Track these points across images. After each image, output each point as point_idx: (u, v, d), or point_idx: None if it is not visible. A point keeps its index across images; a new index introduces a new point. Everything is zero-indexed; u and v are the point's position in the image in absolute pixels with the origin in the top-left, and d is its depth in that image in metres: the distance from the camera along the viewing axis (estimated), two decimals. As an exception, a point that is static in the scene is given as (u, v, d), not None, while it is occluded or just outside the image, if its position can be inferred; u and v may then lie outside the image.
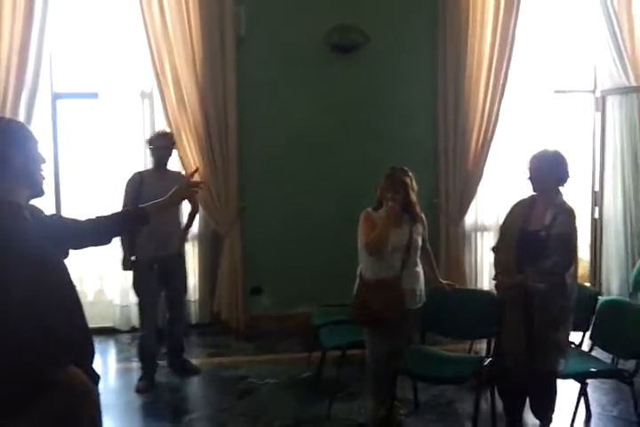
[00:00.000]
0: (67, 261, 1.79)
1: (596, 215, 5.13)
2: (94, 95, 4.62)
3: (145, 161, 4.50)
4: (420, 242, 3.22)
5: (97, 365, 1.83)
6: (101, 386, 1.80)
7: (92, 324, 1.85)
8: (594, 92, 5.15)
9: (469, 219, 4.93)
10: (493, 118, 4.81)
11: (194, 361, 4.05)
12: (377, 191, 3.22)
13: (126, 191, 3.74)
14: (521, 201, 3.08)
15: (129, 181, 3.77)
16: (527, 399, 3.01)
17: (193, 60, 4.53)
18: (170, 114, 4.56)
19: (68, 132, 4.83)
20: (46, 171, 1.79)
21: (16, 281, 1.54)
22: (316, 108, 4.77)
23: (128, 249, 3.71)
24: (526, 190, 3.06)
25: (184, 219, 4.03)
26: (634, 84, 4.88)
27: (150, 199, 2.11)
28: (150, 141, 3.83)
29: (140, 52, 4.56)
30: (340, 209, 4.59)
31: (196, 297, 4.80)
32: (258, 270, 4.78)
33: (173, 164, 4.55)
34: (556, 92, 4.99)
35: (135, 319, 4.42)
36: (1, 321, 1.53)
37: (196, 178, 3.71)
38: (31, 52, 4.34)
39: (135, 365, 3.91)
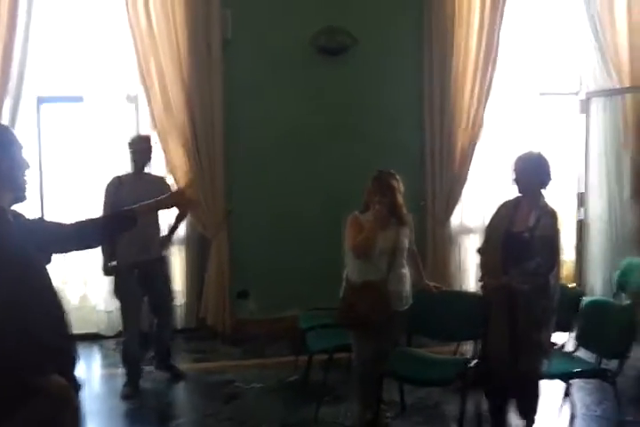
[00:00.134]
0: (50, 266, 1.78)
1: (581, 216, 5.18)
2: (79, 99, 4.59)
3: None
4: (406, 244, 3.24)
5: (81, 371, 1.82)
6: (86, 392, 1.79)
7: (76, 329, 1.83)
8: (578, 94, 5.19)
9: (455, 221, 4.95)
10: (479, 120, 4.84)
11: (180, 366, 4.02)
12: (364, 194, 3.23)
13: (105, 196, 3.72)
14: (506, 203, 3.10)
15: (108, 185, 3.76)
16: (512, 400, 3.03)
17: (179, 62, 4.52)
18: (156, 117, 4.54)
19: (53, 136, 4.79)
20: (30, 176, 1.78)
21: None
22: (303, 111, 4.78)
23: (108, 254, 3.68)
24: (511, 192, 3.08)
25: (166, 222, 4.01)
26: (617, 86, 4.94)
27: (129, 203, 2.09)
28: (129, 145, 3.81)
29: (126, 54, 4.53)
30: (326, 212, 4.59)
31: (182, 302, 4.77)
32: (245, 274, 4.77)
33: (159, 166, 4.58)
34: (542, 94, 5.03)
35: (120, 325, 4.38)
36: None
37: (188, 190, 3.79)
38: (15, 55, 4.30)
39: (120, 371, 3.88)
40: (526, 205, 2.97)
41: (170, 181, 4.31)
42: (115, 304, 4.43)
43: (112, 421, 3.47)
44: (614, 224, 5.04)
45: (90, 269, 4.66)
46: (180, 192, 3.56)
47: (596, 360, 3.33)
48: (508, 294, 2.88)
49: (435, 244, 4.83)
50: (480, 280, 3.15)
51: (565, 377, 3.10)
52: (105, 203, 3.70)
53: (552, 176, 2.96)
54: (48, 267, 1.77)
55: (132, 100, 4.71)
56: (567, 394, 3.29)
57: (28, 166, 1.75)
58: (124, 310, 3.76)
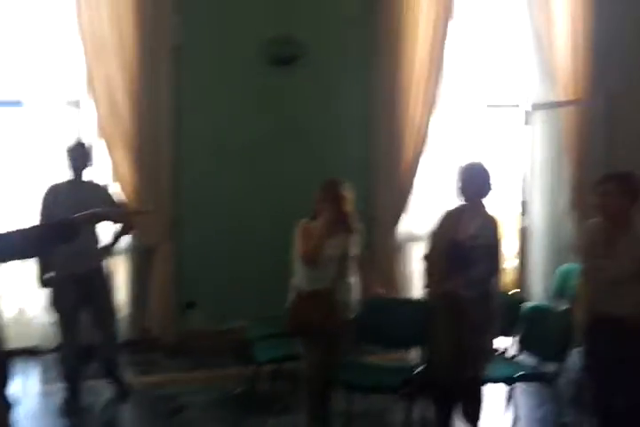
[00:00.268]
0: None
1: (524, 224, 5.34)
2: (18, 103, 4.42)
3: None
4: (355, 252, 3.26)
5: (18, 387, 1.73)
6: (22, 410, 1.70)
7: (13, 344, 1.74)
8: (522, 106, 5.37)
9: (402, 229, 5.02)
10: (425, 131, 4.93)
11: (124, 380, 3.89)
12: (313, 203, 3.23)
13: (42, 205, 3.58)
14: (449, 211, 3.17)
15: (45, 194, 3.62)
16: (457, 405, 3.08)
17: (126, 67, 4.43)
18: (100, 123, 4.44)
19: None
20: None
21: None
22: (253, 120, 4.76)
23: (44, 265, 3.54)
24: (456, 201, 3.15)
25: (107, 230, 3.89)
26: (559, 99, 5.14)
27: (65, 211, 2.02)
28: (67, 152, 3.68)
29: (71, 58, 4.41)
30: (274, 221, 4.57)
31: (126, 313, 4.64)
32: (191, 284, 4.68)
33: (104, 174, 4.47)
34: (488, 106, 5.18)
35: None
36: None
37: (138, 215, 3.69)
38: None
39: (59, 386, 3.72)
40: (468, 214, 3.05)
41: (114, 189, 4.20)
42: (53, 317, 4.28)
43: (50, 439, 3.33)
44: (554, 232, 5.22)
45: (27, 281, 4.48)
46: (128, 214, 3.52)
47: (537, 364, 3.43)
48: (451, 301, 2.94)
49: (382, 252, 4.87)
50: (425, 287, 3.20)
51: (508, 381, 3.17)
52: (42, 212, 3.56)
53: (492, 186, 3.06)
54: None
55: (76, 105, 4.59)
56: (510, 397, 3.36)
57: None
58: (61, 323, 3.62)
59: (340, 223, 3.19)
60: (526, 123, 5.31)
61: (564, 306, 3.89)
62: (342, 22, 4.87)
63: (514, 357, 3.44)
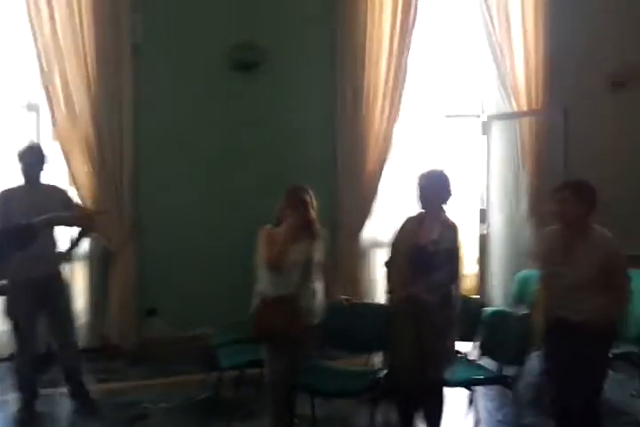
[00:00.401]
0: None
1: (483, 232, 5.45)
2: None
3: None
4: (318, 258, 3.27)
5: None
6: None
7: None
8: (480, 117, 5.51)
9: (366, 235, 5.07)
10: (388, 139, 5.00)
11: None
12: (276, 209, 3.24)
13: None
14: (410, 218, 3.23)
15: None
16: (419, 409, 3.12)
17: (85, 69, 4.36)
18: (58, 127, 4.36)
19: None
20: None
21: None
22: (215, 124, 4.74)
23: None
24: (417, 207, 3.21)
25: (65, 234, 3.80)
26: (515, 110, 5.29)
27: (21, 216, 1.97)
28: (19, 156, 3.57)
29: (26, 60, 4.31)
30: (237, 226, 4.54)
31: (85, 320, 4.53)
32: (152, 290, 4.61)
33: (61, 178, 4.37)
34: (447, 116, 5.31)
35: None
36: None
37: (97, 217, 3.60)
38: None
39: (14, 395, 3.61)
40: (429, 220, 3.10)
41: (72, 193, 4.11)
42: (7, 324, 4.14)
43: (4, 450, 3.23)
44: (513, 239, 5.35)
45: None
46: (87, 217, 3.45)
47: (498, 367, 3.50)
48: (413, 305, 2.98)
49: (346, 258, 4.91)
50: (387, 292, 3.24)
51: (469, 384, 3.23)
52: None
53: (452, 192, 3.12)
54: None
55: (33, 108, 4.49)
56: (471, 401, 3.42)
57: None
58: (16, 330, 3.50)
59: (304, 229, 3.20)
60: (484, 133, 5.44)
61: (523, 311, 3.99)
62: (305, 28, 4.90)
63: (474, 361, 3.51)
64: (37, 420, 3.48)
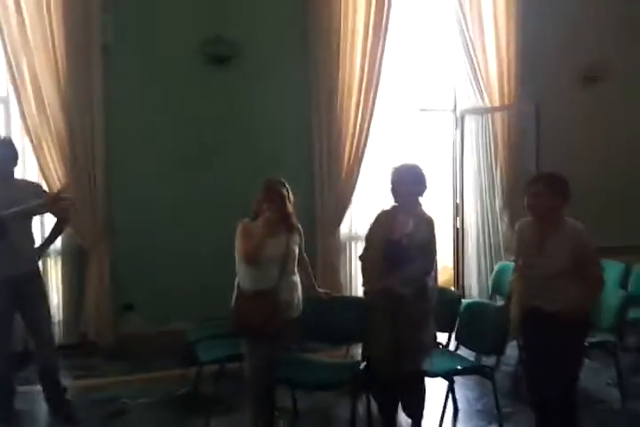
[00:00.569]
0: None
1: (458, 225, 5.52)
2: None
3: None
4: (296, 252, 3.27)
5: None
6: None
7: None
8: (454, 111, 5.56)
9: (344, 229, 5.09)
10: (364, 133, 5.02)
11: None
12: (254, 202, 3.23)
13: None
14: (384, 212, 3.25)
15: None
16: (400, 400, 3.15)
17: (55, 66, 4.29)
18: (28, 121, 4.28)
19: None
20: None
21: None
22: (190, 120, 4.70)
23: None
24: (391, 201, 3.23)
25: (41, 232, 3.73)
26: (488, 105, 5.36)
27: None
28: None
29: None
30: (214, 221, 4.52)
31: (61, 317, 4.47)
32: (128, 286, 4.57)
33: (32, 172, 4.29)
34: (421, 110, 5.34)
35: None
36: None
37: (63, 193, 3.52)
38: None
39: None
40: (404, 214, 3.13)
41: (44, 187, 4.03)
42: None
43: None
44: (488, 232, 5.43)
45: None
46: (53, 196, 3.36)
47: (476, 358, 3.56)
48: (389, 298, 3.01)
49: (324, 251, 4.92)
50: (363, 286, 3.27)
51: (448, 375, 3.27)
52: None
53: (427, 185, 3.15)
54: None
55: (3, 101, 4.41)
56: (450, 391, 3.47)
57: None
58: None
59: (282, 223, 3.20)
60: (457, 127, 5.49)
61: (499, 302, 4.06)
62: (279, 22, 4.88)
63: (453, 352, 3.56)
64: (15, 417, 3.41)
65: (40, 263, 3.69)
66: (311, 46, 4.90)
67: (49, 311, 3.68)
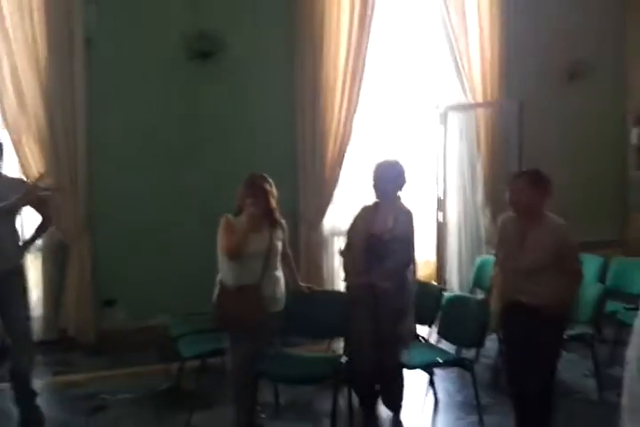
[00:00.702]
0: None
1: (440, 219, 5.56)
2: None
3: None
4: (280, 247, 3.27)
5: None
6: None
7: None
8: (438, 107, 5.58)
9: (327, 224, 5.09)
10: (348, 129, 5.03)
11: (38, 382, 3.69)
12: (236, 198, 3.22)
13: None
14: (365, 207, 3.27)
15: None
16: (379, 393, 3.18)
17: (35, 59, 4.23)
18: (8, 116, 4.23)
19: None
20: None
21: None
22: (172, 115, 4.66)
23: None
24: (373, 196, 3.25)
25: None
26: (471, 101, 5.39)
27: None
28: None
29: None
30: (197, 216, 4.51)
31: (41, 313, 4.43)
32: (109, 281, 4.53)
33: (12, 167, 4.24)
34: (407, 106, 5.37)
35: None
36: None
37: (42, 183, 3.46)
38: None
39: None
40: (384, 208, 3.15)
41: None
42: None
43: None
44: (469, 226, 5.47)
45: None
46: (30, 186, 3.31)
47: (456, 351, 3.60)
48: (369, 292, 3.03)
49: (307, 246, 4.93)
50: (344, 280, 3.28)
51: (429, 368, 3.30)
52: None
53: (407, 181, 3.17)
54: None
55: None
56: (431, 383, 3.50)
57: None
58: None
59: (265, 218, 3.20)
60: (441, 123, 5.52)
61: (480, 296, 4.11)
62: (262, 18, 4.85)
63: (434, 345, 3.59)
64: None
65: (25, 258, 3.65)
66: (294, 43, 4.88)
67: (27, 310, 3.61)
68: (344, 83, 4.97)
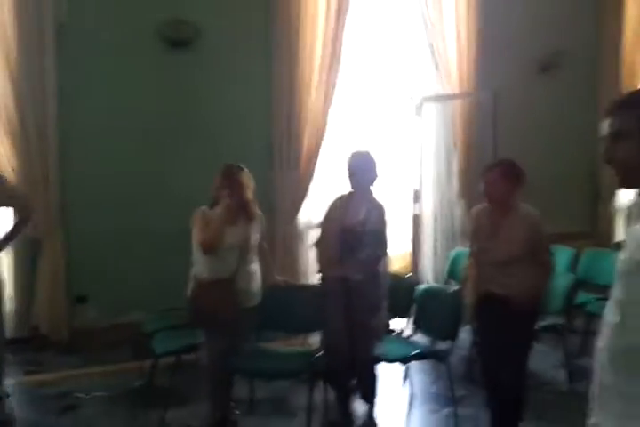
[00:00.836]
0: None
1: (416, 211, 5.57)
2: None
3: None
4: (256, 240, 3.24)
5: None
6: None
7: None
8: (414, 98, 5.57)
9: (303, 217, 5.07)
10: (324, 120, 4.99)
11: (10, 381, 3.61)
12: (212, 190, 3.17)
13: None
14: (338, 199, 3.26)
15: None
16: (355, 386, 3.18)
17: (5, 48, 4.11)
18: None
19: None
20: None
21: None
22: (147, 105, 4.57)
23: None
24: (347, 188, 3.24)
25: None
26: (447, 92, 5.40)
27: None
28: None
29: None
30: (174, 210, 4.42)
31: (12, 309, 4.33)
32: (82, 278, 4.45)
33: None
34: (383, 97, 5.35)
35: None
36: None
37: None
38: None
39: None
40: (357, 200, 3.14)
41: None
42: None
43: None
44: (445, 219, 5.50)
45: None
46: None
47: (431, 343, 3.61)
48: (342, 285, 3.03)
49: (283, 239, 4.90)
50: (318, 272, 3.27)
51: (404, 360, 3.31)
52: None
53: (378, 172, 3.16)
54: None
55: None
56: (406, 375, 3.52)
57: None
58: None
59: (241, 210, 3.16)
60: (417, 114, 5.53)
61: (454, 288, 4.13)
62: (239, 6, 4.78)
63: (408, 337, 3.60)
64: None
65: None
66: (272, 31, 4.82)
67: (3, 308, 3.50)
68: (321, 73, 4.93)
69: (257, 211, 3.26)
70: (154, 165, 4.60)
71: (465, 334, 3.63)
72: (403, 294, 3.48)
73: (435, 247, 5.47)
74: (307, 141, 4.97)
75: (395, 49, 5.44)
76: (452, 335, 3.33)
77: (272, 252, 3.88)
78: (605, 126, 1.48)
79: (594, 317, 3.80)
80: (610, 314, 1.45)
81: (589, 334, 3.84)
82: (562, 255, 4.20)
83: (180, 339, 3.36)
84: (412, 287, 3.61)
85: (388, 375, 3.44)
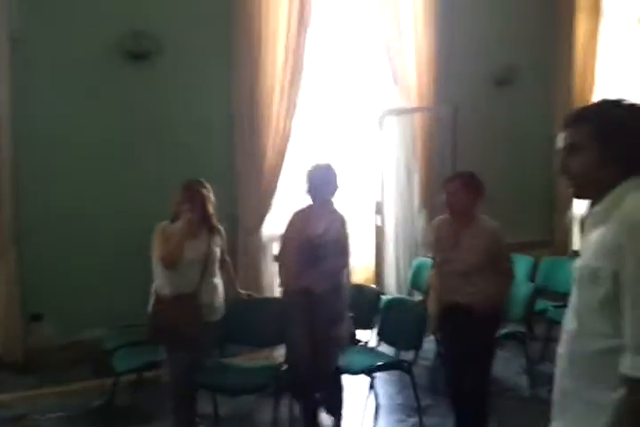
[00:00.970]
0: None
1: (378, 223, 5.62)
2: None
3: None
4: (218, 254, 3.22)
5: None
6: None
7: None
8: (375, 111, 5.65)
9: (266, 230, 5.05)
10: (287, 133, 5.00)
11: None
12: (173, 204, 3.14)
13: None
14: (298, 211, 3.27)
15: None
16: (319, 398, 3.16)
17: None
18: None
19: None
20: None
21: None
22: (106, 119, 4.48)
23: None
24: (307, 201, 3.24)
25: None
26: (407, 106, 5.49)
27: None
28: None
29: None
30: (132, 224, 4.34)
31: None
32: (37, 295, 4.30)
33: None
34: (346, 111, 5.41)
35: None
36: None
37: None
38: None
39: None
40: (317, 213, 3.16)
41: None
42: None
43: None
44: (407, 230, 5.56)
45: None
46: None
47: (395, 353, 3.63)
48: (304, 297, 3.02)
49: (246, 253, 4.86)
50: (280, 285, 3.26)
51: (369, 371, 3.31)
52: None
53: (338, 185, 3.19)
54: None
55: None
56: (371, 386, 3.52)
57: None
58: None
59: (202, 224, 3.14)
60: (379, 127, 5.60)
61: (417, 298, 4.16)
62: (200, 18, 4.76)
63: (373, 348, 3.61)
64: None
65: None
66: (234, 45, 4.81)
67: None
68: (282, 86, 4.94)
69: (218, 224, 3.24)
70: (112, 181, 4.51)
71: (429, 344, 3.66)
72: (367, 305, 3.50)
73: (397, 258, 5.52)
74: (269, 154, 4.97)
75: (356, 63, 5.51)
76: (416, 345, 3.36)
77: (235, 265, 3.85)
78: (560, 139, 1.53)
79: (554, 323, 3.89)
80: (568, 321, 1.49)
81: (550, 340, 3.92)
82: (521, 264, 4.29)
83: (140, 356, 3.29)
84: (375, 298, 3.63)
85: (354, 387, 3.43)
